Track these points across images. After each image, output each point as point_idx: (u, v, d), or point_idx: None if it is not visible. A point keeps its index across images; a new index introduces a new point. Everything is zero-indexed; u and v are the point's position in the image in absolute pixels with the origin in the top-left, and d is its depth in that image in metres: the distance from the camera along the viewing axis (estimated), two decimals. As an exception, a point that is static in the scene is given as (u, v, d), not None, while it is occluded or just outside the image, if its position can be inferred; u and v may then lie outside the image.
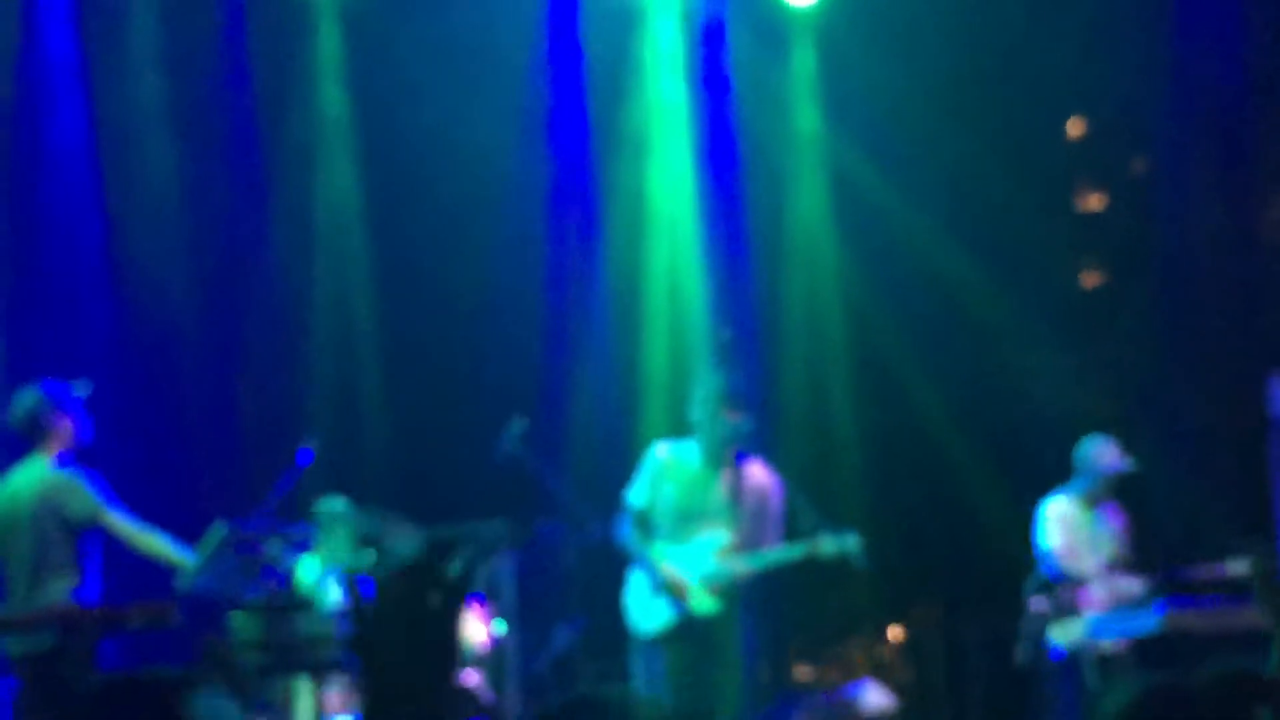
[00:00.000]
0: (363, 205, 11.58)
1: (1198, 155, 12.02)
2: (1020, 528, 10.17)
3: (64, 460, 8.27)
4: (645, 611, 8.83)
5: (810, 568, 8.91)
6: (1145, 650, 9.19)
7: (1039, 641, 9.57)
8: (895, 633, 11.63)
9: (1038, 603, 9.64)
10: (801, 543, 8.72)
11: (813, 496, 8.90)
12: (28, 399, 8.35)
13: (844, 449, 11.82)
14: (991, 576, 11.03)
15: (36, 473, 8.22)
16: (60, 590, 8.22)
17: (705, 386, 8.94)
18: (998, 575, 10.71)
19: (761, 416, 9.38)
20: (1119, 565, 9.69)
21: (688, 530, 8.78)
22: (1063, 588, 9.61)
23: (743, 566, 8.72)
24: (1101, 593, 9.59)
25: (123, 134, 11.13)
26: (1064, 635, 9.51)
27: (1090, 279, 13.11)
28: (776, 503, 8.86)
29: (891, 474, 11.87)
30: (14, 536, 8.19)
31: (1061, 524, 9.72)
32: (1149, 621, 9.24)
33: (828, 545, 8.66)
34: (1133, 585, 9.61)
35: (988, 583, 11.06)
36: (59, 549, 8.25)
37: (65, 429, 8.36)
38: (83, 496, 8.23)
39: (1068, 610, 9.55)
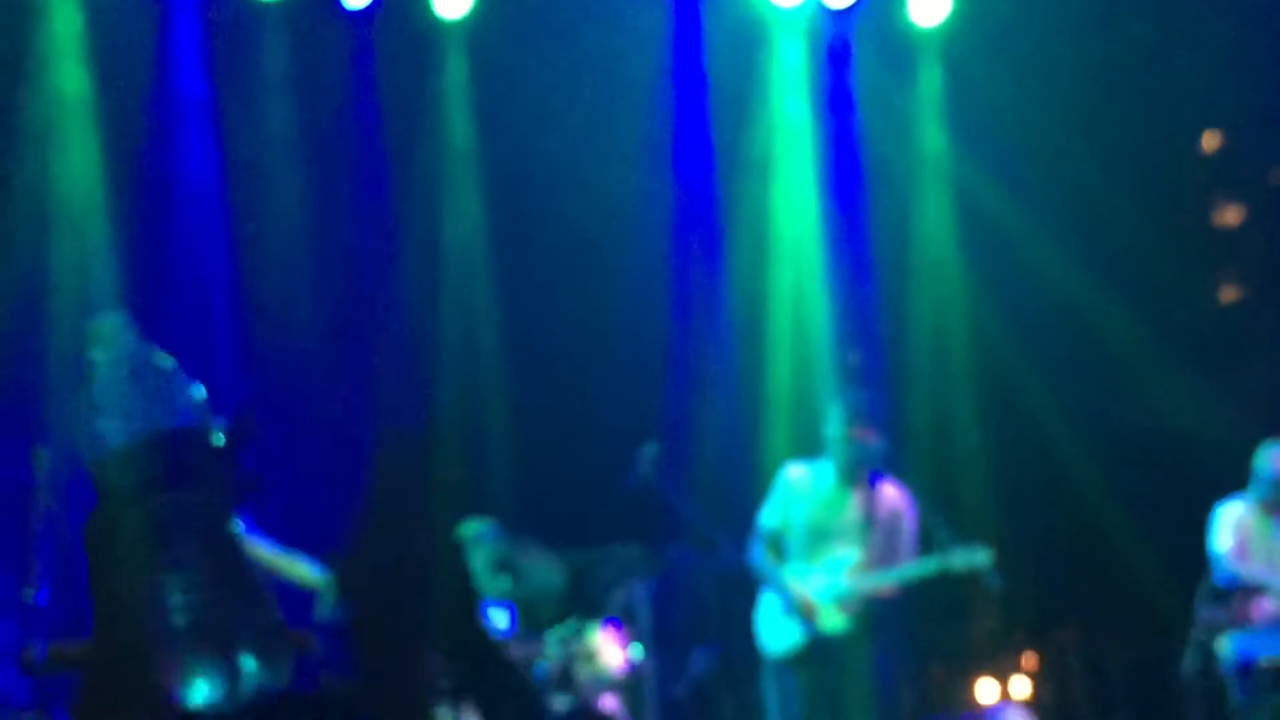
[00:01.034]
0: (489, 233, 11.65)
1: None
2: (1158, 551, 10.12)
3: None
4: (776, 633, 8.90)
5: (945, 587, 8.90)
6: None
7: (1209, 651, 9.44)
8: (1034, 656, 11.58)
9: (1209, 611, 9.52)
10: (933, 557, 8.73)
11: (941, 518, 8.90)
12: None
13: (970, 471, 11.71)
14: (1129, 599, 10.95)
15: None
16: None
17: (838, 406, 8.99)
18: (1135, 598, 10.65)
19: (890, 438, 9.32)
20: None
21: (820, 550, 8.84)
22: (1236, 595, 9.53)
23: (873, 583, 8.75)
24: (1274, 603, 9.49)
25: (252, 165, 11.25)
26: (1231, 650, 9.41)
27: (1228, 295, 13.01)
28: (910, 522, 8.88)
29: (1020, 497, 11.80)
30: None
31: (1236, 528, 9.64)
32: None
33: (959, 560, 8.67)
34: None
35: (1126, 605, 10.96)
36: None
37: None
38: None
39: (1240, 619, 9.46)
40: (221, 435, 4.68)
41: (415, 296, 11.63)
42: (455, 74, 11.58)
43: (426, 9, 11.40)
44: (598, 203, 11.34)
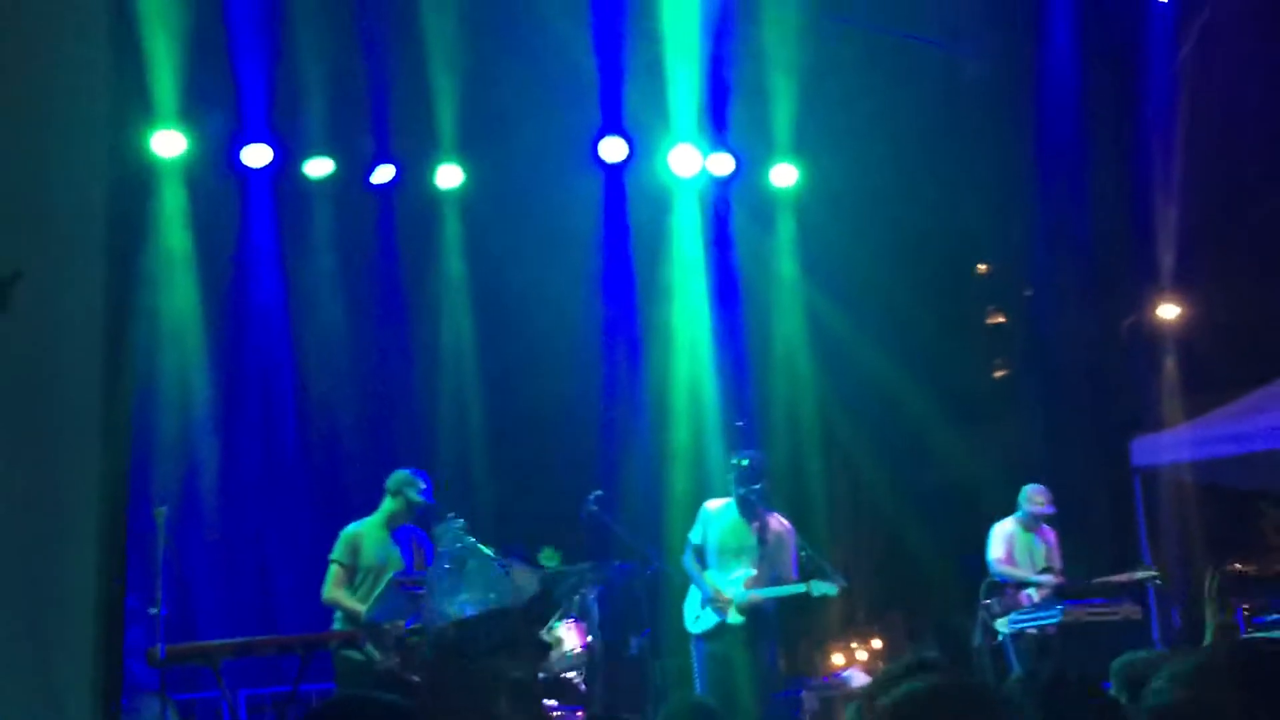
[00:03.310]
0: (475, 339, 11.57)
1: (1069, 283, 12.11)
2: (951, 557, 10.15)
3: None
4: (697, 617, 8.92)
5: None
6: (1051, 636, 9.21)
7: (990, 628, 9.50)
8: (874, 632, 11.58)
9: (989, 600, 9.57)
10: (801, 584, 8.77)
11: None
12: None
13: (818, 503, 11.73)
14: (935, 590, 10.99)
15: None
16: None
17: (736, 462, 9.00)
18: (939, 590, 10.68)
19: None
20: (1049, 573, 9.65)
21: (728, 562, 8.84)
22: (1007, 589, 9.58)
23: (759, 596, 8.78)
24: (1033, 592, 9.55)
25: (308, 297, 11.23)
26: (1006, 626, 9.47)
27: (998, 373, 13.16)
28: (790, 542, 8.90)
29: (856, 521, 11.84)
30: None
31: (1006, 540, 9.72)
32: (1054, 616, 9.25)
33: (817, 589, 8.72)
34: (1046, 583, 9.58)
35: (934, 595, 11.00)
36: None
37: None
38: None
39: (1010, 606, 9.52)
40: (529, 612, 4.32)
41: (423, 384, 11.58)
42: (451, 228, 11.55)
43: (430, 183, 11.41)
44: (552, 316, 11.30)
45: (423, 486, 8.60)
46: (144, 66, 9.17)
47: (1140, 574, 9.47)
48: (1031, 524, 9.73)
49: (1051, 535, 9.80)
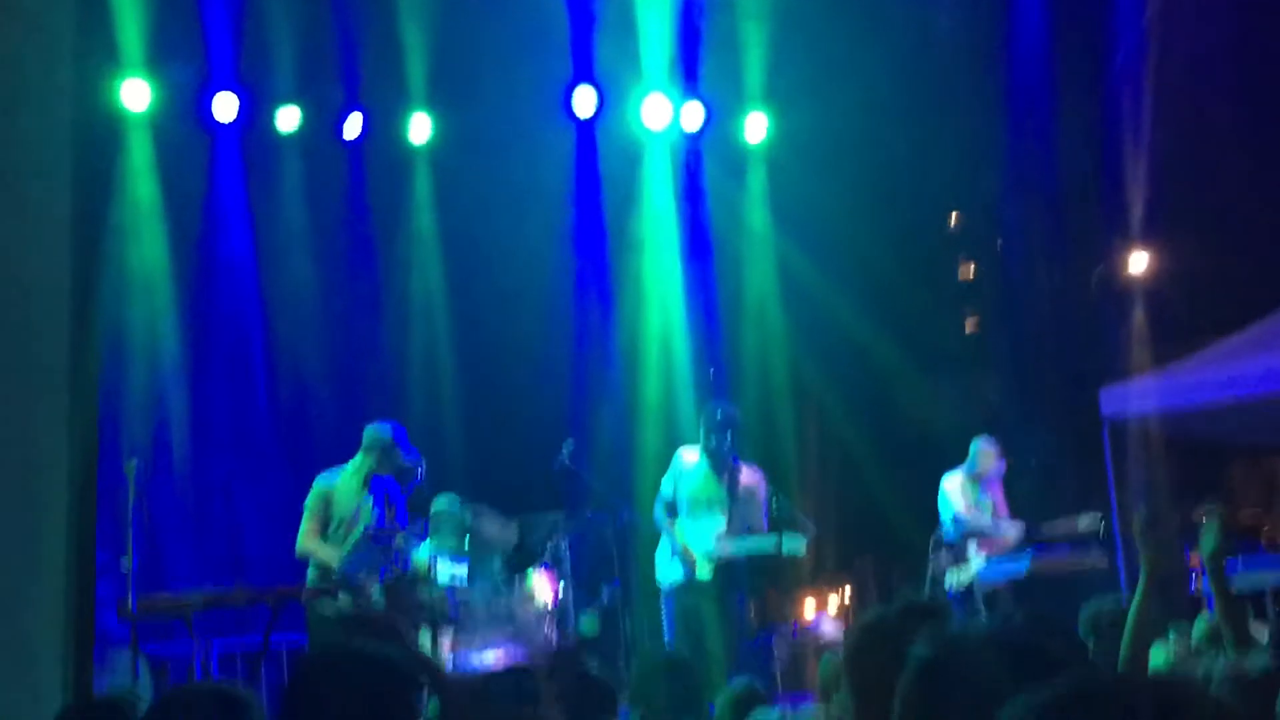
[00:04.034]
0: (446, 292, 11.54)
1: (1038, 235, 12.14)
2: (916, 504, 10.18)
3: None
4: (667, 569, 8.93)
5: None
6: (1019, 587, 9.29)
7: (938, 581, 9.55)
8: (844, 579, 11.64)
9: (938, 555, 9.64)
10: (770, 538, 8.80)
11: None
12: None
13: (788, 453, 11.69)
14: (900, 536, 10.98)
15: None
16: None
17: (707, 413, 8.99)
18: (903, 535, 10.67)
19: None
20: (998, 523, 9.71)
21: (699, 513, 8.86)
22: (956, 544, 9.63)
23: (729, 550, 8.81)
24: (986, 545, 9.62)
25: (277, 250, 11.17)
26: (956, 579, 9.53)
27: (969, 326, 13.20)
28: (761, 494, 8.92)
29: (824, 471, 11.83)
30: None
31: (961, 493, 9.74)
32: (1022, 565, 9.32)
33: (787, 545, 8.76)
34: (1009, 534, 9.64)
35: (900, 540, 11.00)
36: None
37: None
38: None
39: (960, 560, 9.58)
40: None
41: (393, 336, 11.56)
42: (421, 182, 11.52)
43: (402, 137, 11.37)
44: (523, 270, 11.27)
45: (404, 456, 8.59)
46: (109, 15, 9.07)
47: (1084, 522, 9.53)
48: (979, 476, 9.76)
49: (998, 489, 9.84)
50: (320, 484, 8.55)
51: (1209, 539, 4.41)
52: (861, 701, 2.97)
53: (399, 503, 8.69)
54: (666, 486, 9.01)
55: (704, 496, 8.87)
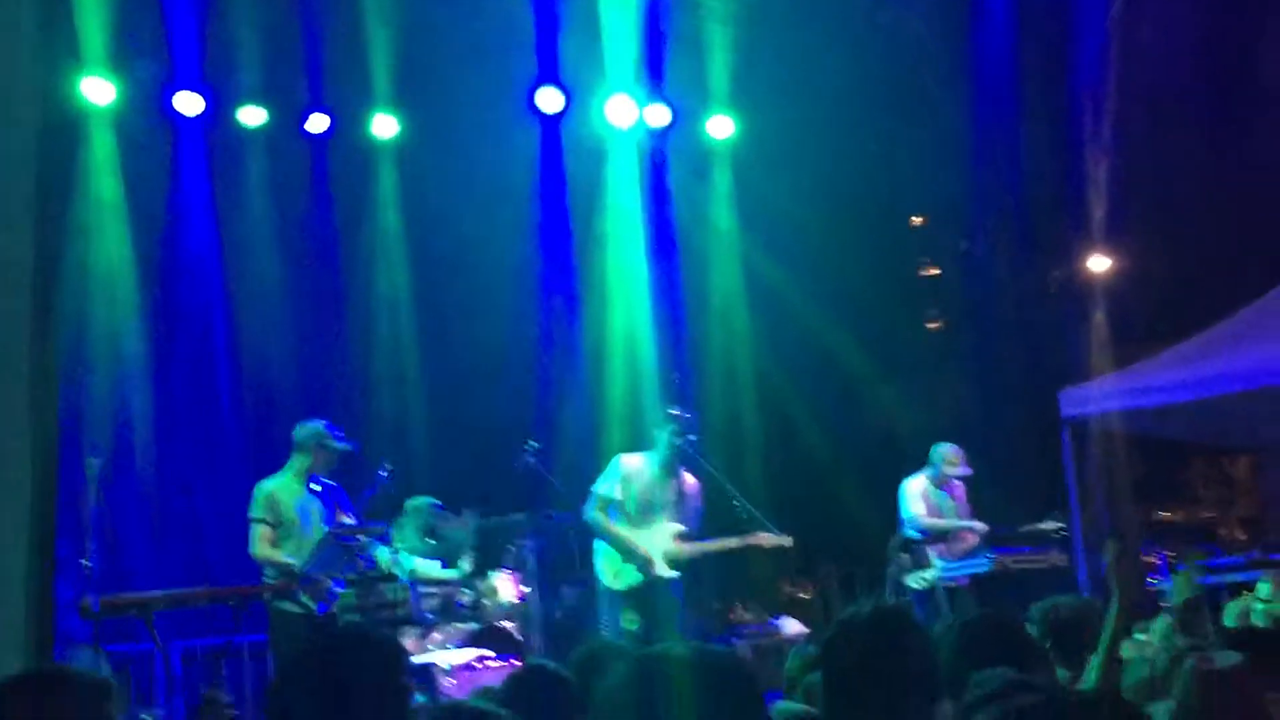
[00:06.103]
0: (411, 290, 11.51)
1: (1002, 237, 12.22)
2: (877, 503, 10.20)
3: None
4: (616, 574, 8.77)
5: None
6: (981, 584, 9.35)
7: (899, 582, 9.55)
8: (807, 584, 11.64)
9: (898, 557, 9.64)
10: (734, 537, 8.73)
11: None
12: None
13: (752, 457, 11.67)
14: (862, 540, 11.00)
15: None
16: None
17: (670, 419, 8.87)
18: (866, 539, 10.69)
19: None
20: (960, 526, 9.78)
21: (648, 517, 8.79)
22: (917, 546, 9.66)
23: (690, 550, 8.76)
24: (948, 546, 9.68)
25: (241, 246, 11.11)
26: (918, 581, 9.57)
27: (932, 326, 13.27)
28: (697, 502, 8.89)
29: (787, 475, 11.81)
30: None
31: (921, 496, 9.80)
32: (983, 564, 9.38)
33: (770, 540, 8.70)
34: (971, 534, 9.70)
35: (862, 544, 11.02)
36: None
37: None
38: None
39: (920, 563, 9.63)
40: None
41: (357, 335, 11.51)
42: (387, 178, 11.49)
43: (366, 132, 11.34)
44: (488, 268, 11.23)
45: (337, 440, 8.53)
46: (71, 12, 9.01)
47: (1048, 526, 9.61)
48: (942, 480, 9.81)
49: (960, 491, 9.89)
50: (261, 491, 8.49)
51: (1180, 589, 4.61)
52: (833, 692, 3.32)
53: (350, 510, 8.61)
54: (609, 489, 8.83)
55: (656, 499, 8.76)
